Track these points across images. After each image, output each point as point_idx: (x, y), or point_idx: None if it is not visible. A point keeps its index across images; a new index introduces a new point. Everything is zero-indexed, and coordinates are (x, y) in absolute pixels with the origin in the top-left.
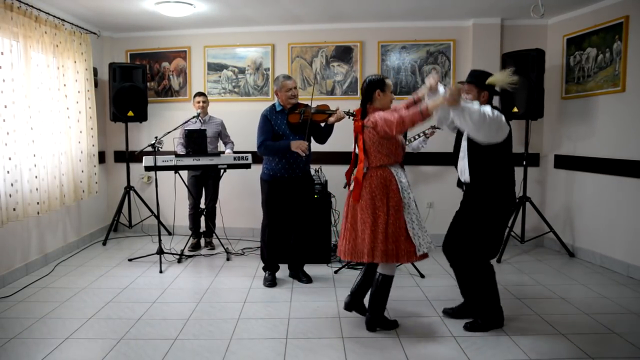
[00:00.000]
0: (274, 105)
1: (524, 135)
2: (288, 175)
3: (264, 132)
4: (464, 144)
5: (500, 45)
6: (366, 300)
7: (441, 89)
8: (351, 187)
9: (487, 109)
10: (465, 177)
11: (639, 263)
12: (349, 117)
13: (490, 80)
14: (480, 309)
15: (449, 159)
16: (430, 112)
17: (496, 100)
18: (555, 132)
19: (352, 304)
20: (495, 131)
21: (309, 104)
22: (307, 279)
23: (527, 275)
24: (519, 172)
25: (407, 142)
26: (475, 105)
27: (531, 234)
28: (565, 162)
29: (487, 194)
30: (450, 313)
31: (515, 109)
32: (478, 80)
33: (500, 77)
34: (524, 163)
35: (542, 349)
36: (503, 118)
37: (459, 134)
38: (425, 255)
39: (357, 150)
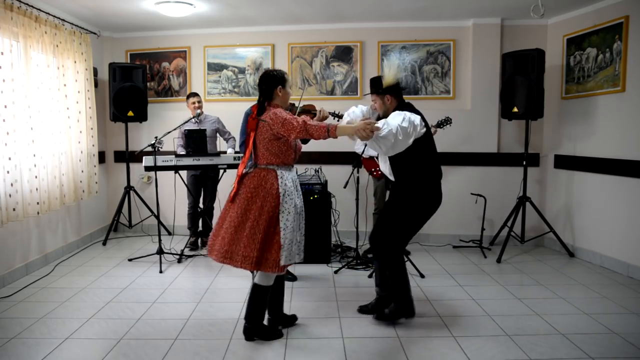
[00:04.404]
0: None
1: (524, 135)
2: None
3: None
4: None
5: (500, 45)
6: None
7: (358, 111)
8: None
9: (396, 121)
10: (390, 177)
11: (639, 263)
12: (334, 117)
13: (385, 82)
14: (394, 298)
15: (446, 159)
16: (336, 136)
17: (495, 100)
18: (555, 132)
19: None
20: (409, 138)
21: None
22: (292, 277)
23: (527, 275)
24: (519, 172)
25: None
26: (386, 128)
27: (531, 234)
28: (565, 162)
29: (407, 189)
30: (366, 310)
31: (515, 109)
32: (376, 88)
33: (389, 74)
34: (524, 163)
35: (542, 349)
36: (417, 120)
37: None
38: (285, 267)
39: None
